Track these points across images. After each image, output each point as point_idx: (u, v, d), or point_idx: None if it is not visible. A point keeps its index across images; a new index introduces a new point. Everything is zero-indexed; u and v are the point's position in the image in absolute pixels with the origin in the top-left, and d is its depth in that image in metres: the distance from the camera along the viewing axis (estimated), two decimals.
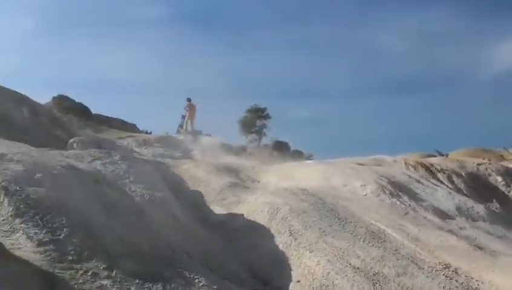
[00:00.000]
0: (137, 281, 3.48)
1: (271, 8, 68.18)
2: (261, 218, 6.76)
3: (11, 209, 3.66)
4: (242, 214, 7.07)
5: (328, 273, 5.29)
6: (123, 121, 24.41)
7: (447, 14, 66.25)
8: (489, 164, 14.88)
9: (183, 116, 20.21)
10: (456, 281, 5.43)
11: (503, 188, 13.68)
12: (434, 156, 17.72)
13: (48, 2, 65.84)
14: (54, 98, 22.32)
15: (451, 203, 9.16)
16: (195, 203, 7.12)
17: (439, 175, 13.31)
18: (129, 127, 23.27)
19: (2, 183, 3.89)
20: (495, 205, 12.16)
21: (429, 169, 13.53)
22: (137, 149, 15.04)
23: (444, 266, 5.70)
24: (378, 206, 8.23)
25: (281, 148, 22.86)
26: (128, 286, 3.39)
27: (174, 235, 5.04)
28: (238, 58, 68.78)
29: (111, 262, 3.53)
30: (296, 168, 11.51)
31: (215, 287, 4.01)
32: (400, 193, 9.02)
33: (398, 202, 8.57)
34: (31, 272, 3.08)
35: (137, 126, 24.99)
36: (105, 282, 3.31)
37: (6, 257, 3.10)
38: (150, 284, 3.53)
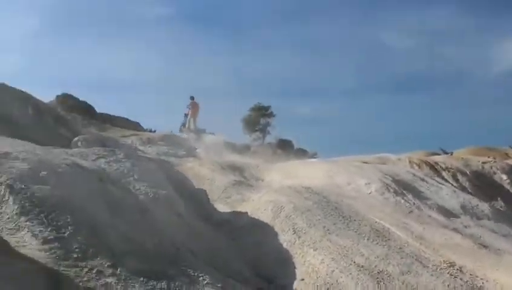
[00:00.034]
0: (142, 279, 3.49)
1: (273, 8, 68.28)
2: (265, 216, 6.76)
3: (16, 207, 3.68)
4: (247, 212, 7.08)
5: (333, 271, 5.28)
6: (127, 119, 24.47)
7: (450, 13, 66.07)
8: (494, 162, 14.81)
9: (186, 115, 20.19)
10: (461, 279, 5.41)
11: (508, 187, 13.61)
12: (439, 154, 17.64)
13: (52, 2, 66.09)
14: (58, 96, 22.41)
15: (456, 202, 9.12)
16: (199, 201, 7.12)
17: (444, 173, 13.26)
18: (133, 126, 23.32)
19: (8, 182, 3.91)
20: (500, 204, 12.09)
21: (433, 167, 13.48)
22: (141, 147, 15.07)
23: (449, 265, 5.68)
24: (382, 205, 8.21)
25: (284, 146, 22.86)
26: (132, 284, 3.40)
27: (178, 233, 5.05)
28: (241, 58, 68.91)
29: (116, 260, 3.54)
30: (300, 166, 11.50)
31: (219, 285, 4.01)
32: (404, 191, 8.99)
33: (402, 201, 8.55)
34: (36, 270, 3.09)
35: (141, 125, 25.05)
36: (109, 280, 3.32)
37: (11, 255, 3.11)
38: (155, 282, 3.54)
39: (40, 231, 3.52)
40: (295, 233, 6.14)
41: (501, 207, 11.62)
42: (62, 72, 53.06)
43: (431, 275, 5.41)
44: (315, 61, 65.58)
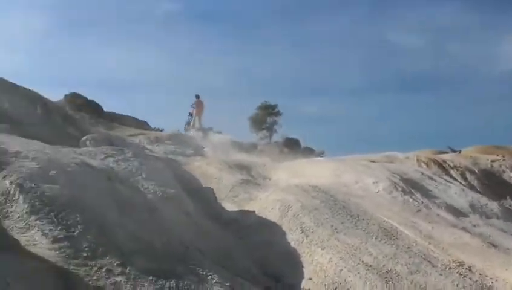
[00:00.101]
0: (150, 277, 3.51)
1: (280, 6, 68.15)
2: (272, 215, 6.76)
3: (26, 206, 3.71)
4: (254, 211, 7.08)
5: (341, 270, 5.27)
6: (134, 118, 24.53)
7: (455, 10, 65.67)
8: (503, 160, 14.68)
9: (190, 114, 20.20)
10: (470, 278, 5.38)
11: None
12: (447, 152, 17.49)
13: (60, 2, 66.42)
14: (66, 95, 22.47)
15: (465, 201, 9.07)
16: (207, 200, 7.13)
17: (452, 172, 13.18)
18: (141, 125, 23.35)
19: (18, 181, 3.94)
20: (509, 202, 12.00)
21: (442, 166, 13.40)
22: (148, 146, 15.08)
23: (458, 264, 5.65)
24: (390, 204, 8.18)
25: (291, 145, 22.78)
26: (141, 283, 3.42)
27: (187, 232, 5.06)
28: (247, 57, 68.93)
29: (125, 259, 3.55)
30: (307, 165, 11.48)
31: (227, 284, 4.02)
32: (412, 190, 8.95)
33: (411, 199, 8.51)
34: (46, 269, 3.12)
35: (149, 124, 25.10)
36: (118, 279, 3.34)
37: (21, 254, 3.14)
38: (164, 281, 3.55)
39: (50, 230, 3.54)
40: (302, 232, 6.14)
41: (510, 206, 11.54)
42: (70, 71, 53.42)
43: (440, 274, 5.39)
44: (322, 60, 65.43)
